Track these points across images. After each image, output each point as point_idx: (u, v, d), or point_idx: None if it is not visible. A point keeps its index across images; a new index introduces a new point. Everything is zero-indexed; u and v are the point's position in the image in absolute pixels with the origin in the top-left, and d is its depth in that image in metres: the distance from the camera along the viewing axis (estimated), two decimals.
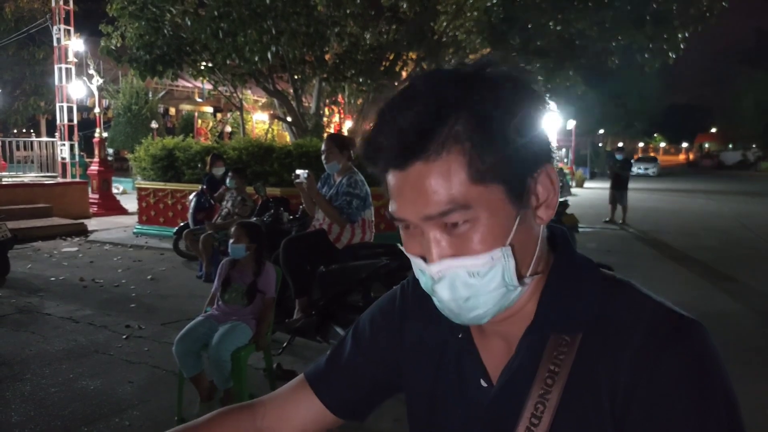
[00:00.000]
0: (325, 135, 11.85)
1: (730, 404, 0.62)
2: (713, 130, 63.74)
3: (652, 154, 54.75)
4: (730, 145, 56.65)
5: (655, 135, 73.71)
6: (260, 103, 23.45)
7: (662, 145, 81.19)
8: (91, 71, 13.43)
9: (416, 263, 0.69)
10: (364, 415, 0.91)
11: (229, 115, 25.08)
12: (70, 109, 14.38)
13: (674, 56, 10.47)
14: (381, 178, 0.71)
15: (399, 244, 4.02)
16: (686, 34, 10.25)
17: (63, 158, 14.26)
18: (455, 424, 0.78)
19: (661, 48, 10.43)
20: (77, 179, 13.88)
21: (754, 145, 51.30)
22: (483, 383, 0.76)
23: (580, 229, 11.54)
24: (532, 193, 0.67)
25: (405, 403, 0.88)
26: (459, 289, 0.66)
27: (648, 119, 56.69)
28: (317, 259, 4.16)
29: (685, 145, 77.80)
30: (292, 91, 11.43)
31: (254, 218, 4.72)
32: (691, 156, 69.90)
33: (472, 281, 0.66)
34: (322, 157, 4.23)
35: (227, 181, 7.08)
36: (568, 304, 0.70)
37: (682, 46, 10.32)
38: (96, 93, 13.81)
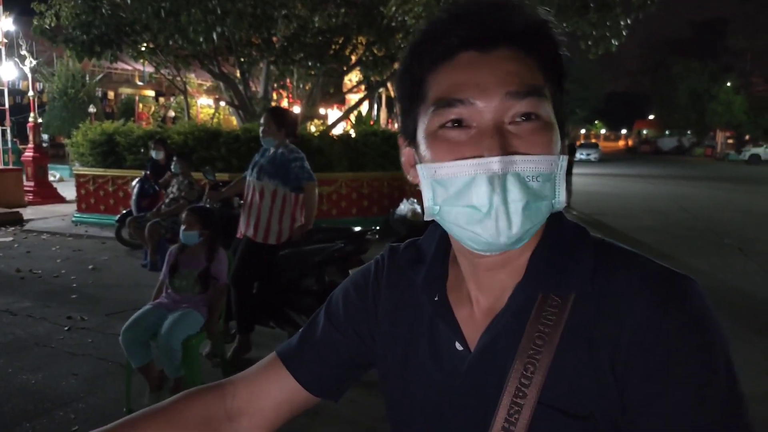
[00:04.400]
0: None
1: (728, 356, 0.62)
2: (651, 117, 66.13)
3: (593, 141, 56.43)
4: (667, 132, 58.95)
5: (595, 122, 76.06)
6: (205, 87, 22.79)
7: (603, 131, 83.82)
8: (24, 52, 12.69)
9: (467, 164, 0.62)
10: (340, 393, 0.88)
11: (172, 99, 24.28)
12: (0, 93, 13.62)
13: (616, 44, 10.70)
14: (421, 66, 0.68)
15: (353, 227, 3.99)
16: (628, 22, 10.50)
17: None
18: (431, 393, 0.76)
19: (604, 35, 10.67)
20: (10, 166, 13.21)
21: (689, 132, 53.67)
22: (458, 346, 0.73)
23: None
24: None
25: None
26: (520, 193, 0.62)
27: (589, 106, 58.50)
28: (261, 272, 4.03)
29: (624, 131, 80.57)
30: (238, 74, 11.15)
31: (205, 202, 4.58)
32: (630, 142, 72.46)
33: (532, 185, 0.63)
34: (260, 130, 4.05)
35: (172, 166, 6.86)
36: (563, 264, 0.69)
37: (624, 34, 10.57)
38: (29, 75, 13.07)
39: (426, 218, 0.70)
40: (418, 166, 0.69)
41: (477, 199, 0.62)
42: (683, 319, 0.62)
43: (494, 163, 0.61)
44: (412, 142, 0.71)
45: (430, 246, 0.81)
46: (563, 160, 0.65)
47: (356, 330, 0.86)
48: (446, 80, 0.65)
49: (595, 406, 0.63)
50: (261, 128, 4.03)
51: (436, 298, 0.76)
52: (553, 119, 0.65)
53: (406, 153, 0.74)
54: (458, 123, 0.64)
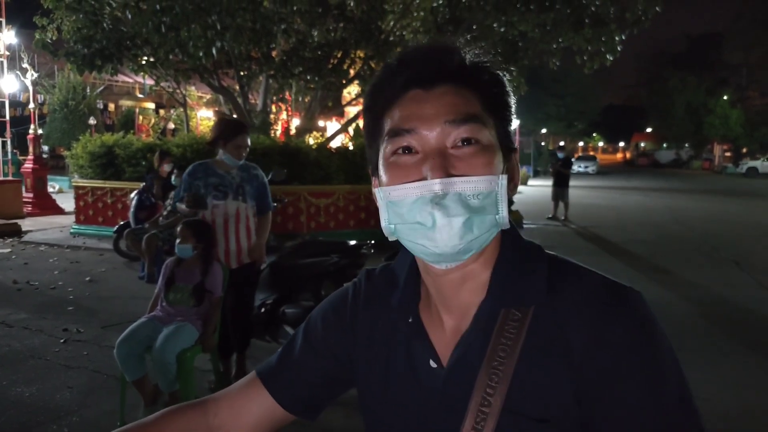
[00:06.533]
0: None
1: (674, 359, 0.69)
2: (648, 129, 66.22)
3: (591, 153, 56.47)
4: (665, 145, 59.07)
5: (593, 134, 76.25)
6: (205, 100, 22.91)
7: (600, 144, 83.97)
8: (25, 65, 12.78)
9: (413, 186, 0.69)
10: (317, 412, 0.92)
11: (172, 111, 24.38)
12: (1, 105, 13.69)
13: (611, 58, 10.83)
14: (378, 104, 0.76)
15: (349, 241, 4.02)
16: (623, 37, 10.63)
17: None
18: (409, 410, 0.80)
19: (599, 50, 10.80)
20: (10, 178, 13.24)
21: (686, 145, 53.77)
22: (432, 364, 0.77)
23: (524, 225, 11.86)
24: (507, 163, 0.75)
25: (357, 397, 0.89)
26: (460, 209, 0.68)
27: (587, 119, 58.68)
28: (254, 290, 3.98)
29: (622, 144, 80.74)
30: (238, 87, 11.24)
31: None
32: (628, 155, 72.58)
33: (473, 202, 0.69)
34: (243, 151, 3.68)
35: (173, 178, 6.89)
36: (521, 280, 0.75)
37: (619, 49, 10.70)
38: (30, 88, 13.16)
39: (389, 238, 0.76)
40: (375, 190, 0.76)
41: (422, 216, 0.69)
42: (629, 324, 0.68)
43: (436, 184, 0.68)
44: (375, 171, 0.79)
45: (403, 269, 0.86)
46: (503, 179, 0.71)
47: (334, 351, 0.89)
48: (397, 114, 0.74)
49: (556, 410, 0.69)
50: (245, 149, 3.68)
51: (410, 320, 0.81)
52: (495, 143, 0.73)
53: (374, 182, 0.81)
54: (408, 150, 0.72)
